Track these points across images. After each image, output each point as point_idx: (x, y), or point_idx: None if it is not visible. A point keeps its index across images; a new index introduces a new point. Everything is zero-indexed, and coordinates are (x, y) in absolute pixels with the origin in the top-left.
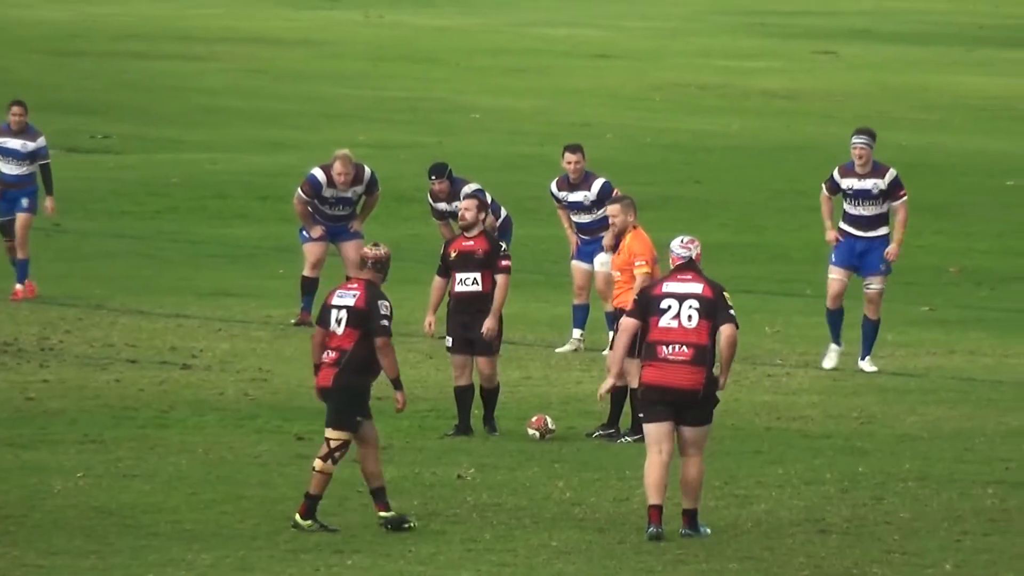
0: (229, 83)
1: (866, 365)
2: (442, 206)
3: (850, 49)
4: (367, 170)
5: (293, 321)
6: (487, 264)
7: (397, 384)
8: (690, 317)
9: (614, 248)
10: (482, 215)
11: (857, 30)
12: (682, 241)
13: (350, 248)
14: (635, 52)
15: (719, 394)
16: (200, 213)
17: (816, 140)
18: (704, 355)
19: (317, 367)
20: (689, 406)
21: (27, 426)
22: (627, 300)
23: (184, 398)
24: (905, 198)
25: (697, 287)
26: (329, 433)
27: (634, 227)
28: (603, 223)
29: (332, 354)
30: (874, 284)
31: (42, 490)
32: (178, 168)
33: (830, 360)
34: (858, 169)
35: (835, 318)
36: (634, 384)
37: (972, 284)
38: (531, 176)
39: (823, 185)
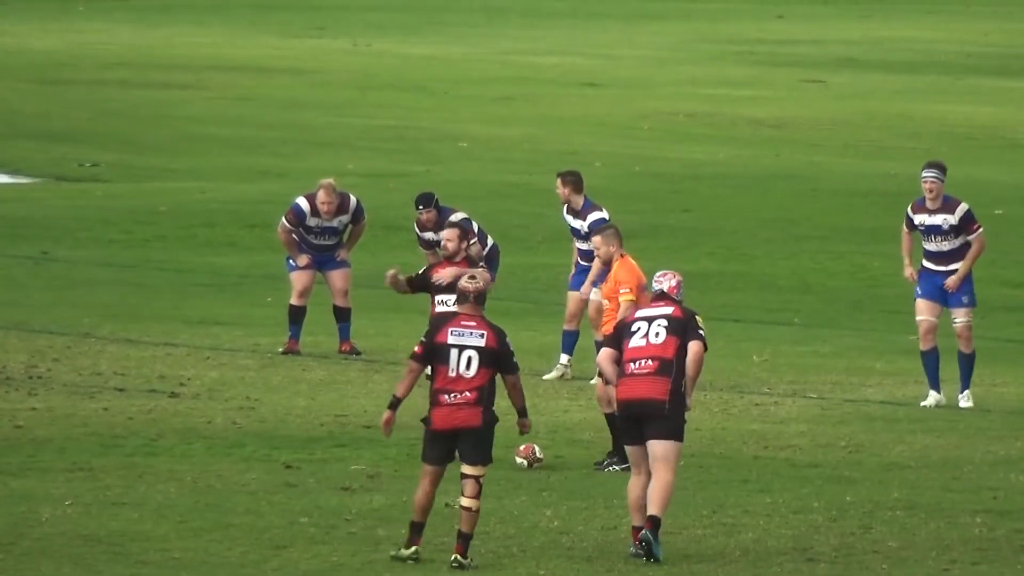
0: (216, 111)
1: (963, 400)
2: (428, 235)
3: (837, 78)
4: (352, 199)
5: (281, 350)
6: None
7: (524, 412)
8: (657, 334)
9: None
10: (464, 244)
11: (844, 59)
12: (658, 276)
13: (337, 277)
14: (623, 81)
15: (688, 415)
16: (188, 241)
17: (804, 169)
18: (669, 368)
19: (399, 400)
20: (654, 417)
21: (15, 454)
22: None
23: (172, 426)
24: (979, 232)
25: (668, 309)
26: (478, 470)
27: (621, 255)
28: None
29: (468, 394)
30: (959, 319)
31: (30, 518)
32: (166, 196)
33: (927, 402)
34: (928, 204)
35: (928, 361)
36: (606, 411)
37: None
38: (518, 204)
39: (903, 222)
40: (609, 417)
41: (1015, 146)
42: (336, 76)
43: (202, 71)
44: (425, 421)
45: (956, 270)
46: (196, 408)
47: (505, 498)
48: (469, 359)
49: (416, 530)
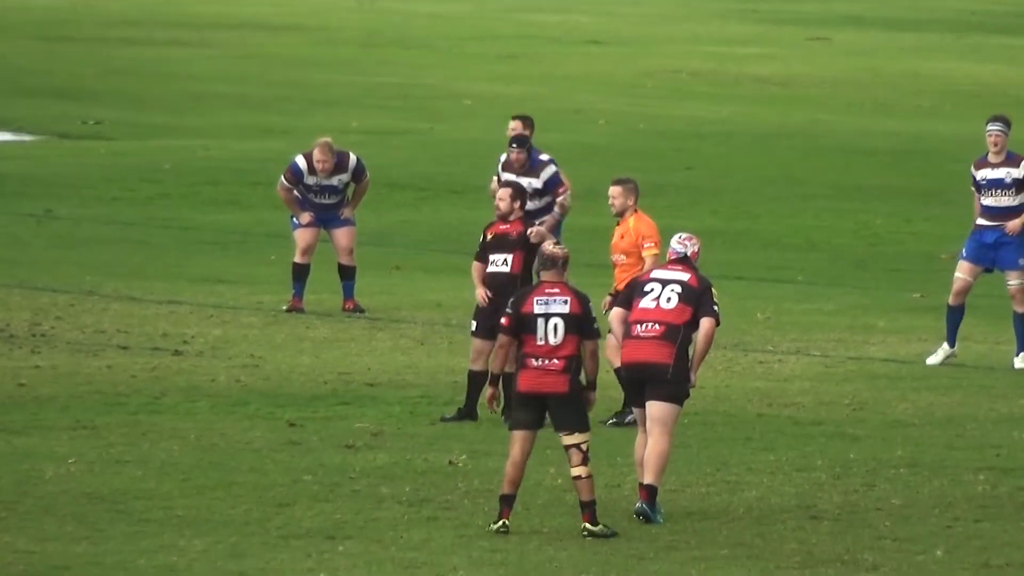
0: (220, 69)
1: (1019, 362)
2: (510, 176)
3: (843, 35)
4: (352, 157)
5: (284, 307)
6: (519, 245)
7: (594, 385)
8: (669, 299)
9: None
10: (516, 204)
11: (850, 16)
12: (679, 237)
13: (341, 235)
14: (627, 38)
15: (692, 389)
16: (192, 199)
17: (808, 127)
18: (676, 334)
19: (498, 375)
20: (656, 380)
21: (19, 412)
22: None
23: (176, 384)
24: None
25: (684, 276)
26: (577, 438)
27: (635, 210)
28: (545, 210)
29: (556, 361)
30: (1013, 280)
31: (34, 476)
32: (170, 154)
33: (935, 357)
34: (991, 158)
35: (953, 316)
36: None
37: None
38: None
39: (971, 188)
40: (619, 372)
41: (1020, 104)
42: (340, 33)
43: (206, 29)
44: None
45: (1005, 242)
46: (200, 366)
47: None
48: (556, 326)
49: (506, 502)
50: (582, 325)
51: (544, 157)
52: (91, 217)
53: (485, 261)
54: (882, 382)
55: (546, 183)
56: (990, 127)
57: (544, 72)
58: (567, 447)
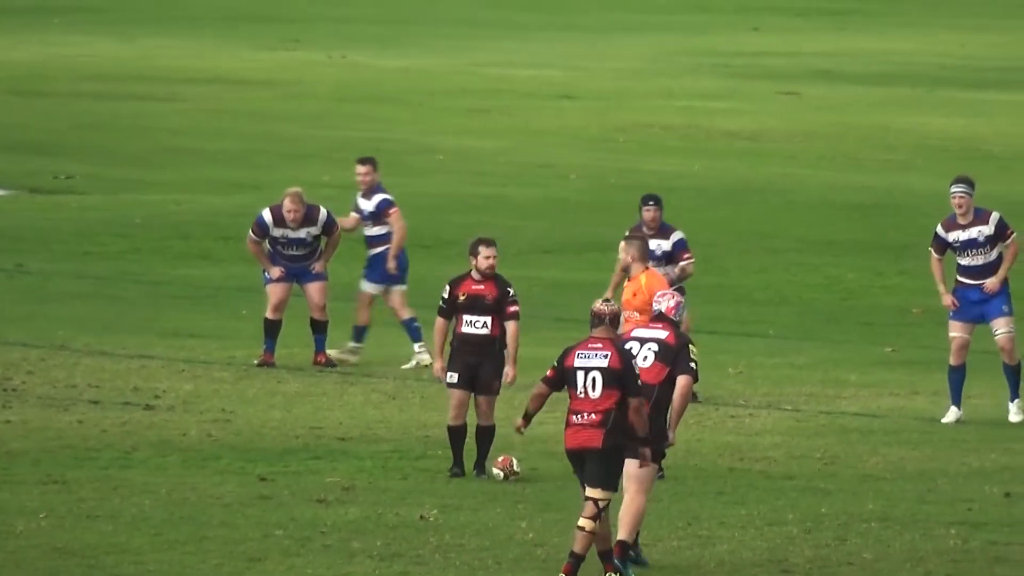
0: (192, 124)
1: (1013, 414)
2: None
3: (813, 90)
4: (323, 211)
5: (256, 362)
6: (496, 309)
7: (645, 441)
8: (646, 358)
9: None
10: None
11: (820, 71)
12: (656, 295)
13: (313, 290)
14: (598, 93)
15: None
16: (163, 254)
17: (779, 181)
18: (649, 393)
19: (532, 415)
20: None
21: None
22: None
23: (147, 439)
24: (1014, 236)
25: (662, 333)
26: (598, 493)
27: (646, 268)
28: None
29: (593, 416)
30: (1000, 329)
31: (4, 531)
32: (141, 208)
33: (947, 418)
34: (960, 219)
35: (956, 377)
36: None
37: (935, 325)
38: (494, 217)
39: (931, 247)
40: None
41: (989, 158)
42: (311, 88)
43: (177, 84)
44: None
45: (989, 298)
46: (171, 420)
47: (480, 510)
48: (594, 380)
49: (605, 558)
50: (624, 380)
51: (670, 229)
52: (62, 272)
53: (449, 319)
54: (853, 436)
55: (674, 246)
56: (954, 189)
57: (516, 126)
58: (585, 497)
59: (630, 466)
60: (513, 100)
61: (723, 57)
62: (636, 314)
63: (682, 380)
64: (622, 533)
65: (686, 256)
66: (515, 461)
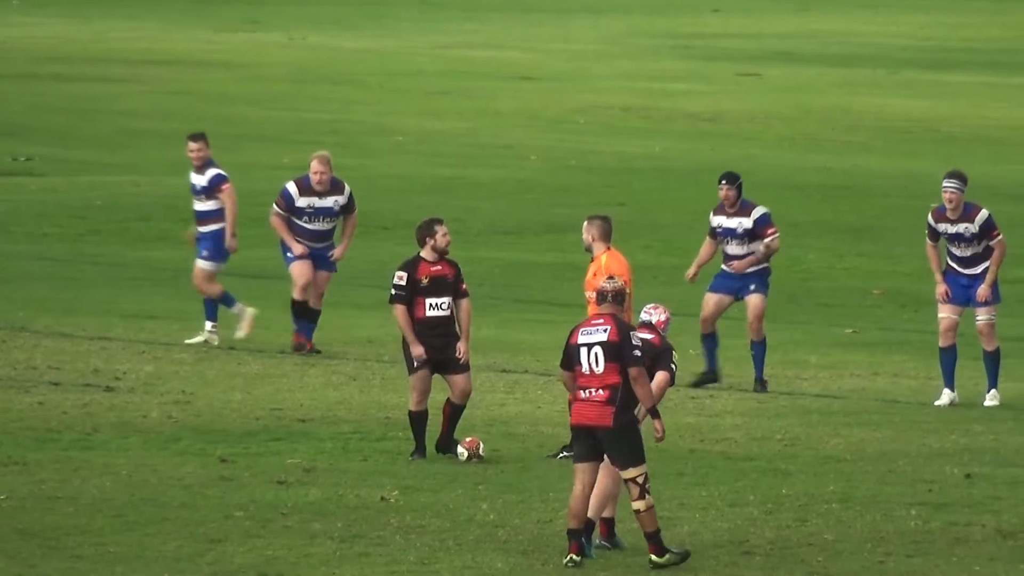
0: (151, 105)
1: (988, 399)
2: (720, 219)
3: (773, 71)
4: (347, 186)
5: (291, 349)
6: (454, 287)
7: (655, 413)
8: None
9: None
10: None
11: (780, 52)
12: (647, 307)
13: (321, 279)
14: (558, 74)
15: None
16: (123, 236)
17: (739, 162)
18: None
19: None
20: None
21: None
22: None
23: (108, 420)
24: (1000, 238)
25: (648, 336)
26: (631, 472)
27: (608, 248)
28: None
29: (601, 392)
30: (981, 316)
31: None
32: (101, 190)
33: (941, 400)
34: (949, 214)
35: (947, 359)
36: None
37: (896, 306)
38: (453, 198)
39: (926, 235)
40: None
41: (949, 140)
42: (270, 70)
43: (136, 65)
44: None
45: (977, 273)
46: (131, 402)
47: (441, 492)
48: (596, 355)
49: (572, 536)
50: (622, 352)
51: (751, 206)
52: (21, 253)
53: (410, 304)
54: (814, 417)
55: (756, 222)
56: (946, 184)
57: (475, 108)
58: (624, 481)
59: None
60: (473, 81)
61: (683, 39)
62: (592, 294)
63: (660, 375)
64: (589, 512)
65: (770, 231)
66: (481, 445)
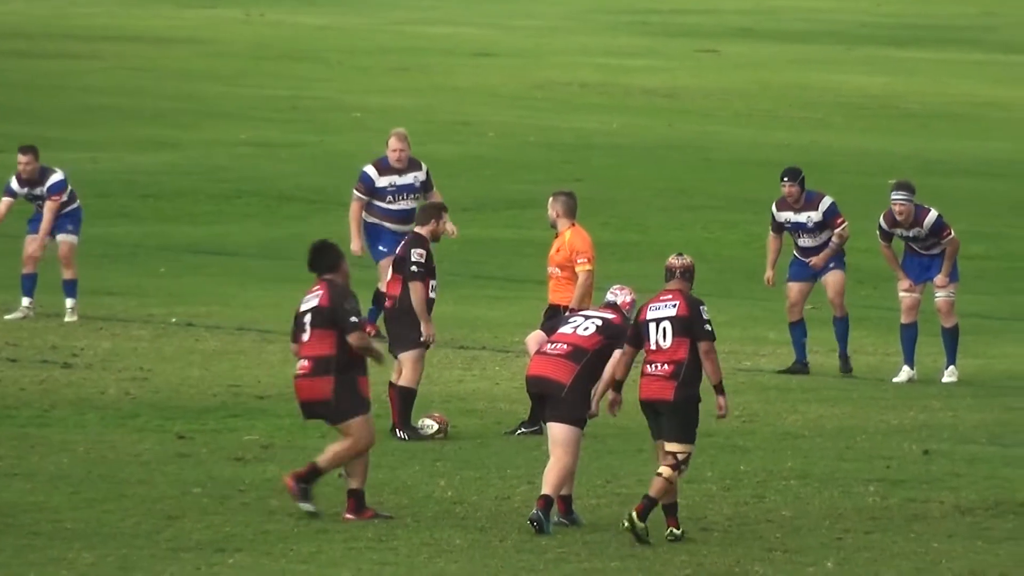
0: (111, 82)
1: (947, 375)
2: (787, 215)
3: (732, 47)
4: (423, 163)
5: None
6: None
7: (720, 389)
8: (587, 328)
9: None
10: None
11: (739, 28)
12: (612, 288)
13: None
14: (516, 50)
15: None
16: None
17: (698, 138)
18: (582, 356)
19: (620, 382)
20: (553, 399)
21: None
22: (565, 297)
23: (65, 397)
24: (951, 236)
25: (610, 315)
26: (676, 447)
27: (572, 224)
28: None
29: (666, 367)
30: (940, 293)
31: None
32: (60, 166)
33: (899, 377)
34: (900, 220)
35: (907, 336)
36: None
37: (854, 283)
38: None
39: (878, 236)
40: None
41: (907, 116)
42: (230, 46)
43: (97, 41)
44: None
45: (939, 252)
46: (89, 379)
47: (399, 468)
48: (664, 330)
49: (670, 511)
50: (692, 327)
51: (818, 197)
52: None
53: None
54: (772, 394)
55: (825, 214)
56: (895, 195)
57: (434, 84)
58: (664, 452)
59: (553, 430)
60: (431, 58)
61: (641, 15)
62: (558, 270)
63: (618, 352)
64: (546, 489)
65: (839, 221)
66: (448, 426)
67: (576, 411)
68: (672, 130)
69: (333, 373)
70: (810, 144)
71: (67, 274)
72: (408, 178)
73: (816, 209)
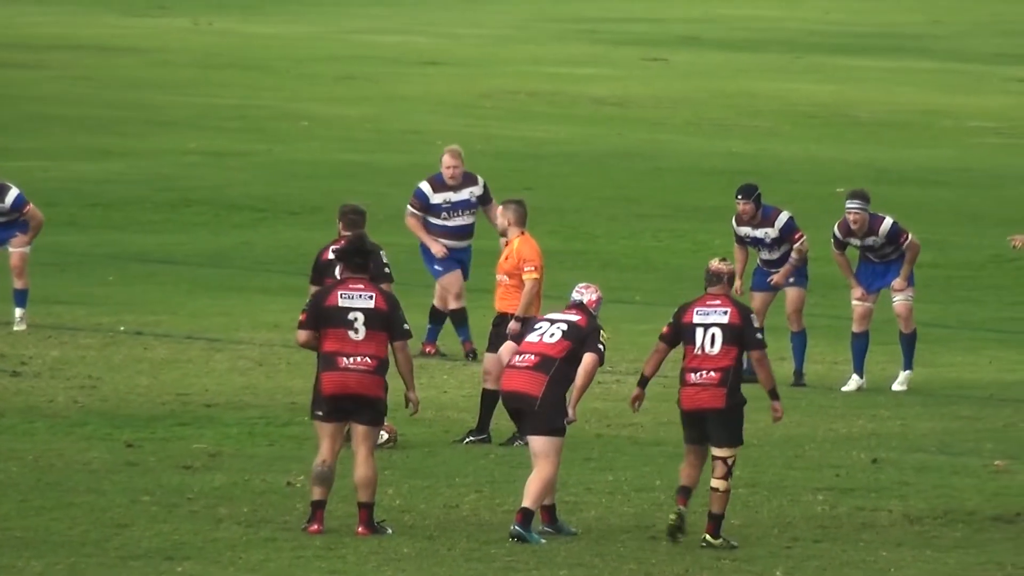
0: (58, 91)
1: (898, 382)
2: (744, 230)
3: (680, 56)
4: (480, 178)
5: (465, 357)
6: None
7: (774, 395)
8: (552, 335)
9: None
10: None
11: (686, 37)
12: (578, 287)
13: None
14: (465, 59)
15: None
16: None
17: (646, 147)
18: (550, 365)
19: (648, 378)
20: (528, 411)
21: None
22: (512, 305)
23: (14, 405)
24: (908, 240)
25: (574, 317)
26: (725, 452)
27: (522, 232)
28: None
29: (713, 374)
30: (898, 297)
31: None
32: (6, 176)
33: (848, 386)
34: (855, 230)
35: (858, 345)
36: (487, 386)
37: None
38: (361, 184)
39: (832, 244)
40: (489, 397)
41: (856, 124)
42: (178, 55)
43: (44, 51)
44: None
45: (896, 258)
46: (37, 387)
47: (347, 476)
48: (713, 336)
49: (682, 492)
50: (743, 334)
51: (774, 214)
52: None
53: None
54: None
55: (782, 231)
56: (849, 205)
57: (382, 93)
58: (714, 458)
59: (533, 443)
60: (379, 67)
61: (589, 23)
62: (506, 277)
63: (588, 357)
64: (526, 501)
65: (797, 236)
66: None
67: (552, 421)
68: (621, 139)
69: (386, 376)
70: (759, 152)
71: (18, 284)
72: (464, 194)
73: (772, 225)
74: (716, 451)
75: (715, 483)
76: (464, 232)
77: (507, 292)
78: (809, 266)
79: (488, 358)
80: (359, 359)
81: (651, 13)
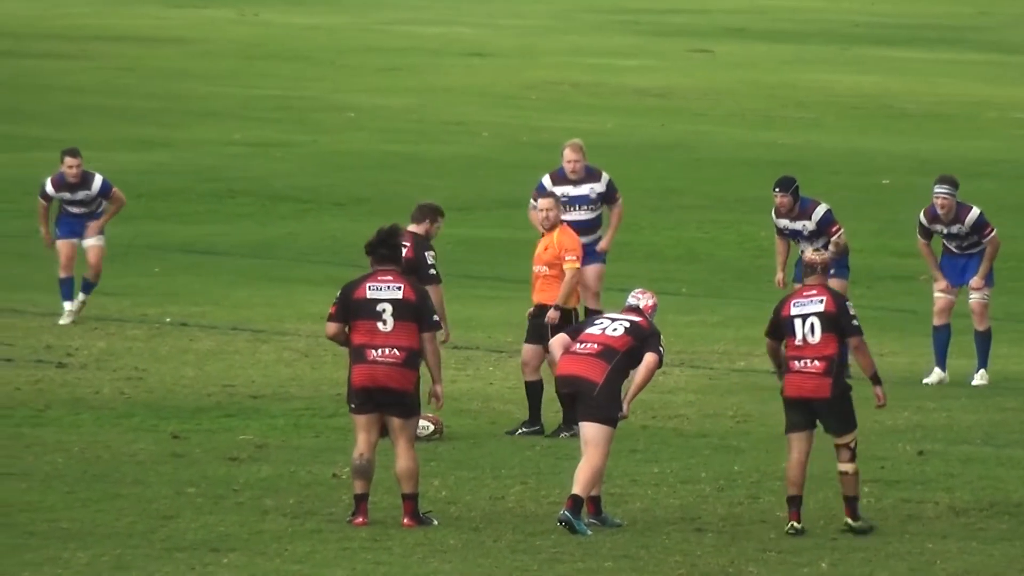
0: (99, 81)
1: (977, 378)
2: (783, 222)
3: (724, 47)
4: (605, 173)
5: None
6: None
7: (876, 380)
8: (615, 329)
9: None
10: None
11: (731, 28)
12: (635, 292)
13: (592, 273)
14: (508, 50)
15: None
16: None
17: (690, 138)
18: (613, 355)
19: (782, 373)
20: (585, 397)
21: None
22: (551, 296)
23: (60, 397)
24: (992, 234)
25: (637, 318)
26: (846, 439)
27: (562, 224)
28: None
29: (817, 363)
30: (975, 295)
31: None
32: (50, 167)
33: (930, 378)
34: (942, 216)
35: (939, 338)
36: (528, 377)
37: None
38: (405, 175)
39: (917, 235)
40: (536, 388)
41: (901, 116)
42: (221, 46)
43: (86, 41)
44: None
45: (977, 252)
46: (84, 378)
47: (389, 468)
48: (812, 325)
49: (793, 504)
50: (840, 322)
51: (812, 206)
52: None
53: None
54: (766, 394)
55: (819, 223)
56: (937, 190)
57: (426, 84)
58: (836, 446)
59: (586, 429)
60: (423, 58)
61: (631, 14)
62: (546, 268)
63: (649, 356)
64: (576, 488)
65: (834, 229)
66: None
67: (608, 410)
68: (664, 130)
69: (418, 368)
70: (803, 144)
71: (91, 276)
72: (583, 189)
73: (809, 218)
74: (839, 440)
75: (843, 467)
76: (580, 227)
77: (546, 283)
78: (852, 258)
79: (527, 349)
80: (387, 351)
81: (695, 4)
